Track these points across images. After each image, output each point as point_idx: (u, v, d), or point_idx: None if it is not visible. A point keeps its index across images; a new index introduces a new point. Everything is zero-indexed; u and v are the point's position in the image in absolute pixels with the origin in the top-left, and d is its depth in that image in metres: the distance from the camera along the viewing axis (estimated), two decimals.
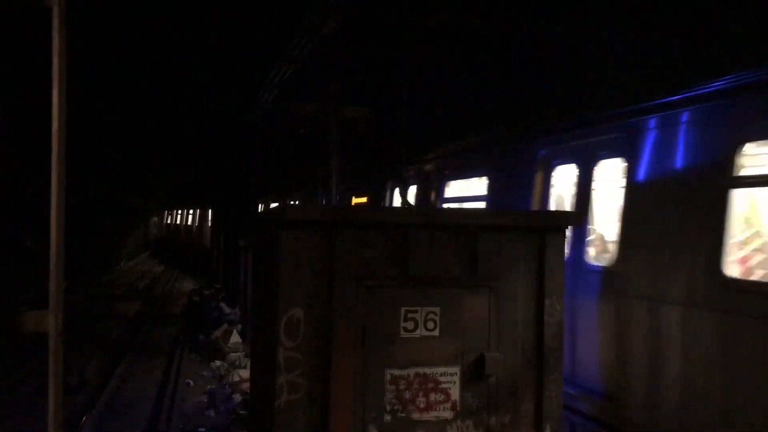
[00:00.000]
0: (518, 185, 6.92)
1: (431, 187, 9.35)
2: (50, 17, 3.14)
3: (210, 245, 25.93)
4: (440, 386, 4.09)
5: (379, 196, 10.95)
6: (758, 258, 5.14)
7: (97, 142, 19.00)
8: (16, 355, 12.00)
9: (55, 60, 3.04)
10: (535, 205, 6.61)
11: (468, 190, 8.63)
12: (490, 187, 7.70)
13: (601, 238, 6.57)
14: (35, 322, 2.95)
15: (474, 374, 4.12)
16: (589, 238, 6.26)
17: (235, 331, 13.02)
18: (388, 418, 4.01)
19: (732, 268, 4.76)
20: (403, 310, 4.05)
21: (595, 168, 5.92)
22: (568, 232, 4.92)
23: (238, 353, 11.93)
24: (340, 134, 9.03)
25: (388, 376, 4.01)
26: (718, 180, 4.49)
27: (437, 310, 4.10)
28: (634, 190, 5.35)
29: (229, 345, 12.52)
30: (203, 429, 8.68)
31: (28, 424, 8.64)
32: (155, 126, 18.61)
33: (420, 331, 4.07)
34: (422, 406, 4.06)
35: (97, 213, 27.64)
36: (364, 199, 10.56)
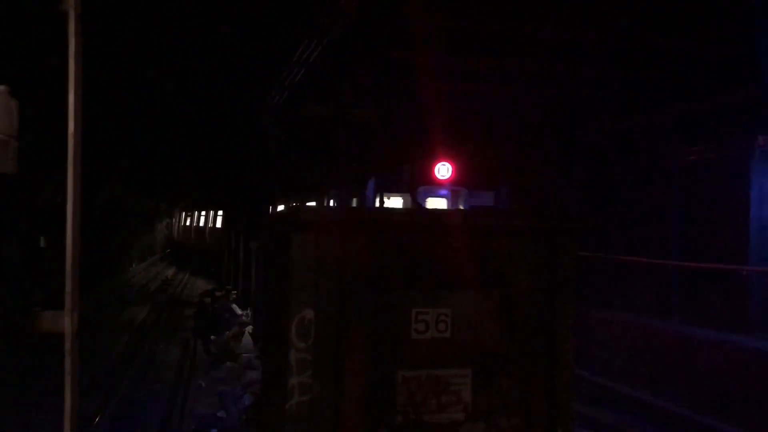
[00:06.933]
0: None
1: None
2: (66, 20, 3.17)
3: (222, 247, 26.02)
4: (452, 388, 4.08)
5: None
6: None
7: (110, 144, 19.12)
8: (31, 354, 12.09)
9: (72, 63, 3.07)
10: None
11: None
12: None
13: None
14: (51, 322, 2.97)
15: (485, 376, 4.11)
16: None
17: (246, 333, 13.06)
18: (399, 419, 4.00)
19: None
20: (414, 311, 4.05)
21: None
22: None
23: (249, 354, 11.96)
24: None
25: (400, 378, 4.01)
26: None
27: (448, 311, 4.10)
28: None
29: (240, 346, 12.56)
30: (215, 430, 8.72)
31: (42, 423, 8.71)
32: (167, 129, 18.71)
33: (431, 333, 4.07)
34: (434, 407, 4.05)
35: (109, 215, 27.80)
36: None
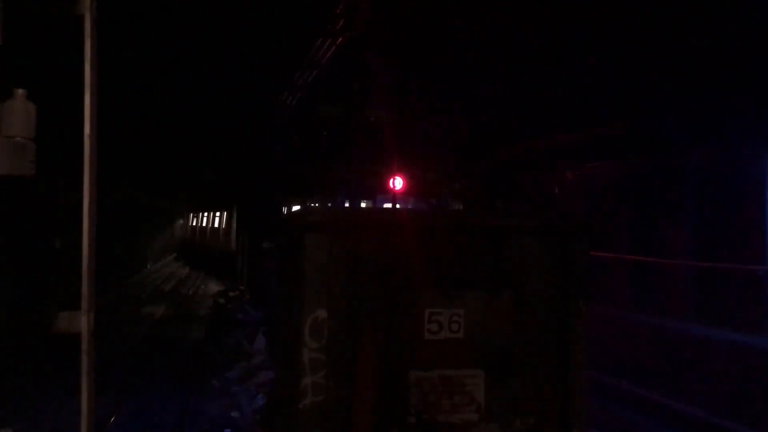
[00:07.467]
0: None
1: None
2: (82, 24, 3.20)
3: (235, 248, 26.15)
4: (465, 388, 4.08)
5: None
6: None
7: (124, 145, 19.27)
8: (45, 355, 12.20)
9: (87, 66, 3.10)
10: None
11: None
12: None
13: None
14: (68, 323, 3.00)
15: (499, 376, 4.11)
16: None
17: (260, 333, 13.12)
18: (412, 419, 4.01)
19: None
20: (427, 312, 4.05)
21: None
22: None
23: (262, 355, 12.01)
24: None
25: (413, 378, 4.01)
26: None
27: (462, 312, 4.10)
28: None
29: (254, 346, 12.62)
30: (228, 430, 8.76)
31: (56, 424, 8.78)
32: (181, 129, 18.83)
33: (444, 333, 4.07)
34: (447, 408, 4.06)
35: (123, 215, 28.00)
36: None
